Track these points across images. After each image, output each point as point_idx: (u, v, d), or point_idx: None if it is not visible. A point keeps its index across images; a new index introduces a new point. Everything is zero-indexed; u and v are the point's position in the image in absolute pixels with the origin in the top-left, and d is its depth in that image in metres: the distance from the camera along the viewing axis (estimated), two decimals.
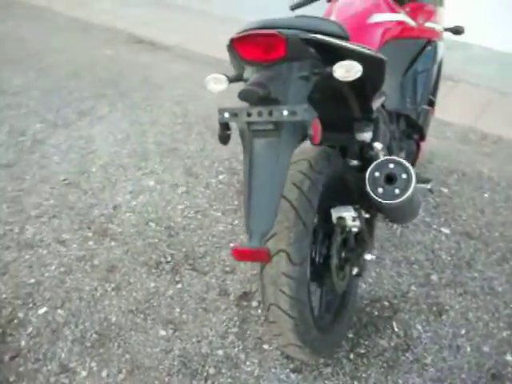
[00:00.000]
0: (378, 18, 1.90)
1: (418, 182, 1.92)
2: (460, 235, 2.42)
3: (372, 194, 1.46)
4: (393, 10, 1.98)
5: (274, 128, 1.25)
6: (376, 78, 1.54)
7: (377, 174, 1.45)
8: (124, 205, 2.54)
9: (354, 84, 1.52)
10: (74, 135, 3.19)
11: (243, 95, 1.22)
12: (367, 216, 1.78)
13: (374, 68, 1.49)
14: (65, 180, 2.72)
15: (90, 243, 2.27)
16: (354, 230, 1.73)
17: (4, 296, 1.98)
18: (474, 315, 1.99)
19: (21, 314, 1.90)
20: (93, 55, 4.56)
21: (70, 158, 2.94)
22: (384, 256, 2.28)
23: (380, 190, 1.44)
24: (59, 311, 1.92)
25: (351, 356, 1.81)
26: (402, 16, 2.00)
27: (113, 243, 2.28)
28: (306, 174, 1.49)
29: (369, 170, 1.47)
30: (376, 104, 1.68)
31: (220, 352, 1.79)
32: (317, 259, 1.66)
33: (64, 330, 1.85)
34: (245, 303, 2.00)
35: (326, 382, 1.71)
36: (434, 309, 2.02)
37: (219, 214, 2.51)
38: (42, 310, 1.92)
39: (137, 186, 2.71)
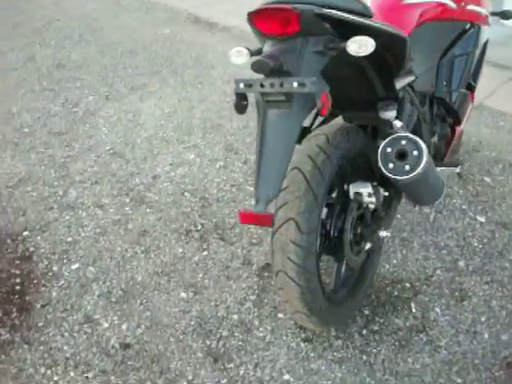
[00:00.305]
0: None
1: (436, 161, 1.91)
2: (496, 225, 2.36)
3: (383, 169, 1.47)
4: None
5: (286, 99, 1.29)
6: (397, 55, 1.55)
7: (389, 149, 1.47)
8: (163, 175, 2.66)
9: (375, 61, 1.54)
10: (124, 108, 3.35)
11: (255, 66, 1.27)
12: (386, 194, 1.79)
13: (393, 45, 1.50)
14: (110, 149, 2.88)
15: (127, 209, 2.41)
16: (371, 206, 1.74)
17: (42, 251, 2.15)
18: (498, 304, 1.96)
19: (55, 268, 2.07)
20: (152, 34, 4.72)
21: (118, 129, 3.10)
22: (413, 239, 2.27)
23: (391, 165, 1.46)
24: (90, 268, 2.07)
25: (364, 332, 1.84)
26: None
27: (148, 210, 2.40)
28: (322, 147, 1.52)
29: (381, 145, 1.49)
30: (400, 83, 1.68)
31: (235, 317, 1.87)
32: (332, 233, 1.70)
33: (92, 285, 1.99)
34: (266, 274, 2.06)
35: (335, 353, 1.75)
36: (457, 294, 2.00)
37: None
38: (74, 266, 2.08)
39: (177, 158, 2.82)
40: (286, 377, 1.68)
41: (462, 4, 2.08)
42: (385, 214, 1.77)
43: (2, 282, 1.97)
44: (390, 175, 1.46)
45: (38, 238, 2.21)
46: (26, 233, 2.23)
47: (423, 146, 1.45)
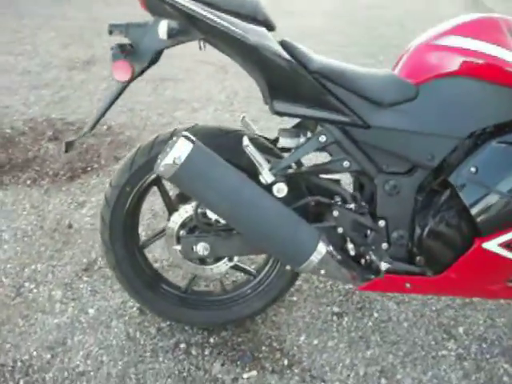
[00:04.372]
0: (451, 41, 1.49)
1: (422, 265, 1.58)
2: None
3: None
4: (496, 41, 1.47)
5: None
6: (251, 65, 1.41)
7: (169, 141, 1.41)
8: None
9: (248, 68, 1.46)
10: None
11: None
12: None
13: (236, 50, 1.39)
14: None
15: None
16: None
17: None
18: None
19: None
20: None
21: None
22: (374, 340, 1.76)
23: (159, 158, 1.40)
24: None
25: (181, 345, 1.73)
26: (495, 49, 1.45)
27: None
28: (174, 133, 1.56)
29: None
30: (281, 107, 1.44)
31: None
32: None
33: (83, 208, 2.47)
34: None
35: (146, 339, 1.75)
36: None
37: None
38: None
39: None
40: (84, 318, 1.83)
41: None
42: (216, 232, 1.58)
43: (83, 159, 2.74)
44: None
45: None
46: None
47: (180, 148, 1.32)
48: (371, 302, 1.95)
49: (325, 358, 1.72)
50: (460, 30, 1.51)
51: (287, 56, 1.37)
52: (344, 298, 1.95)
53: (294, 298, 1.94)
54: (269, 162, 1.47)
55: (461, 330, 1.86)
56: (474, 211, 1.47)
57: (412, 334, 1.83)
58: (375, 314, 1.90)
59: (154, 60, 1.49)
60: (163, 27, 1.35)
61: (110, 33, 1.45)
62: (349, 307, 1.92)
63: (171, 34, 1.36)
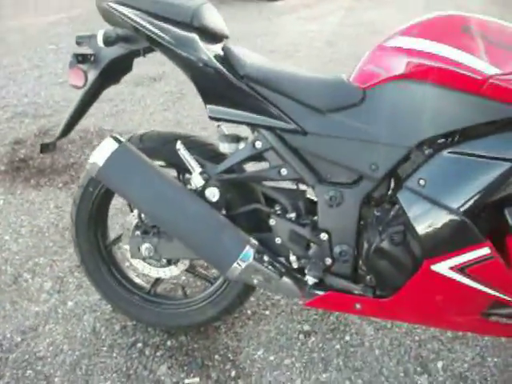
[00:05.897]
0: (399, 42, 1.43)
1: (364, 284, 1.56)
2: None
3: None
4: (449, 41, 1.38)
5: None
6: (185, 72, 1.47)
7: None
8: None
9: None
10: None
11: None
12: None
13: (169, 56, 1.46)
14: None
15: None
16: None
17: None
18: None
19: None
20: None
21: None
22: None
23: None
24: None
25: (147, 348, 1.79)
26: (447, 50, 1.35)
27: None
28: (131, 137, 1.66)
29: None
30: (214, 111, 1.47)
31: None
32: None
33: None
34: None
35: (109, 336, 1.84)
36: None
37: None
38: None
39: None
40: (62, 309, 1.97)
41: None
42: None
43: None
44: None
45: None
46: None
47: (104, 147, 1.45)
48: (348, 324, 1.87)
49: (275, 376, 1.69)
50: (411, 30, 1.42)
51: (213, 62, 1.41)
52: (319, 318, 1.90)
53: (267, 312, 1.93)
54: (202, 166, 1.51)
55: (439, 364, 1.73)
56: (420, 229, 1.39)
57: (381, 362, 1.74)
58: (347, 338, 1.83)
59: (116, 69, 1.62)
60: (99, 35, 1.46)
61: (78, 44, 1.60)
62: (321, 327, 1.86)
63: (107, 41, 1.46)
